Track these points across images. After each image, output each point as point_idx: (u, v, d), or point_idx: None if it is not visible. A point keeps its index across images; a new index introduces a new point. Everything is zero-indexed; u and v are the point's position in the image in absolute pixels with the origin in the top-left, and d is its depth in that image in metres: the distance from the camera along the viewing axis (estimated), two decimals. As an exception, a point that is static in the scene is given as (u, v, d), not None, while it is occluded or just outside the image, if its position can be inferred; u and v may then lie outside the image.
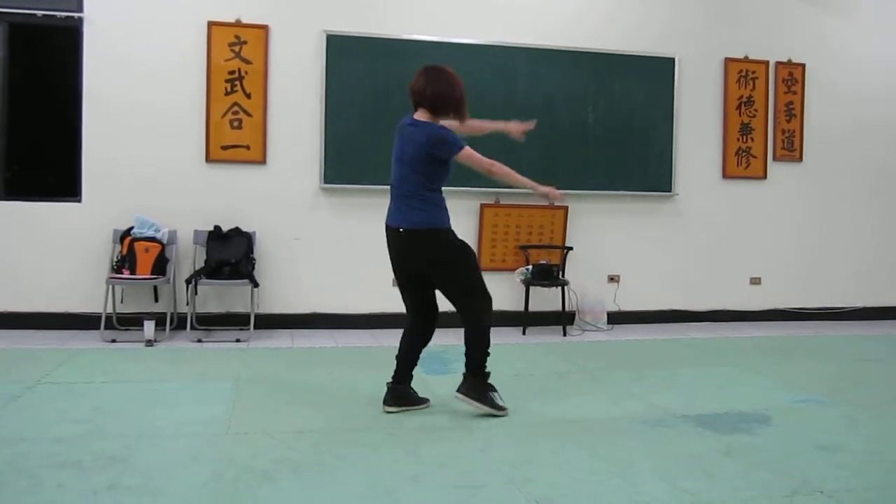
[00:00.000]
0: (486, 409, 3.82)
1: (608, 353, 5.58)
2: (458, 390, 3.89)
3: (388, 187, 3.63)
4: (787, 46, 7.09)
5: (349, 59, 6.04)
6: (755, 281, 7.14)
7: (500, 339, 5.79)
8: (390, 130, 6.02)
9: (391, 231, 3.91)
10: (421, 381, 4.49)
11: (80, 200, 5.79)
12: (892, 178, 7.42)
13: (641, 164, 6.72)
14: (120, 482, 2.82)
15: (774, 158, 7.10)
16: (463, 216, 6.35)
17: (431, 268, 3.88)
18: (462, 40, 6.27)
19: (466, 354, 3.93)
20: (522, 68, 6.39)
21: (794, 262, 7.20)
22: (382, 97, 6.10)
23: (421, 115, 3.88)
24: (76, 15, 5.70)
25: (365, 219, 6.21)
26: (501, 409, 3.84)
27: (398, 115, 6.00)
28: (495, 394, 3.88)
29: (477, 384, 3.86)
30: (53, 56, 6.21)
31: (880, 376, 4.97)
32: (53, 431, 3.38)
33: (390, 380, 3.94)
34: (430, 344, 5.69)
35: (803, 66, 7.09)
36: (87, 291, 5.72)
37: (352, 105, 6.07)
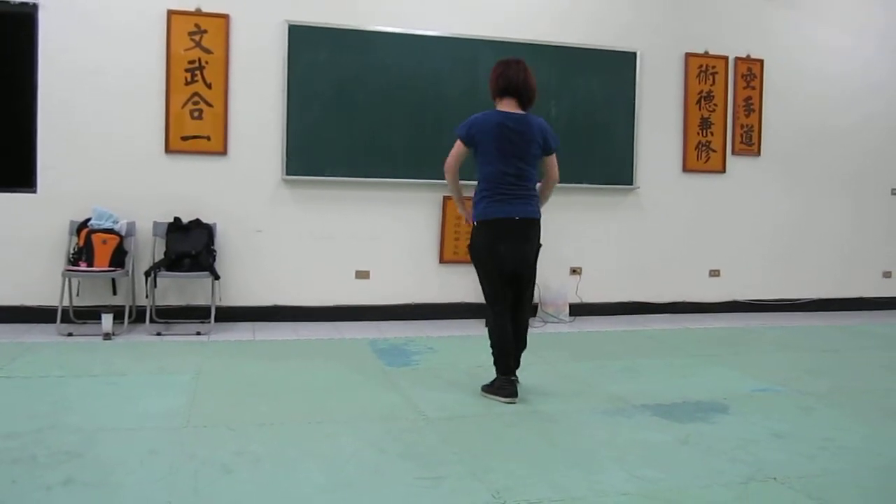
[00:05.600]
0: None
1: (569, 344, 5.63)
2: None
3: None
4: (746, 42, 7.19)
5: (311, 49, 6.00)
6: (714, 273, 7.25)
7: (463, 331, 5.83)
8: (353, 122, 6.11)
9: (525, 222, 3.97)
10: (382, 373, 4.51)
11: (35, 191, 5.66)
12: (848, 171, 7.57)
13: (603, 158, 6.77)
14: (76, 477, 2.78)
15: (733, 152, 7.20)
16: (426, 208, 6.37)
17: (535, 256, 4.11)
18: (424, 32, 6.25)
19: (517, 352, 4.09)
20: (485, 60, 6.35)
21: (752, 255, 7.33)
22: (345, 88, 6.07)
23: (510, 107, 3.98)
24: (31, 1, 5.57)
25: (327, 211, 6.19)
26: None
27: (361, 107, 6.09)
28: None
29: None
30: (6, 44, 6.07)
31: (835, 366, 5.08)
32: (7, 426, 3.31)
33: (514, 376, 3.99)
34: (392, 335, 5.73)
35: (762, 61, 7.20)
36: (43, 284, 5.60)
37: (314, 96, 6.02)
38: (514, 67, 3.99)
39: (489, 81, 4.07)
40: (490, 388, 4.00)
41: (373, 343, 5.36)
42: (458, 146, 4.02)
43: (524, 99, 3.99)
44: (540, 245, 4.12)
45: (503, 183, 3.93)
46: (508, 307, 4.03)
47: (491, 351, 4.00)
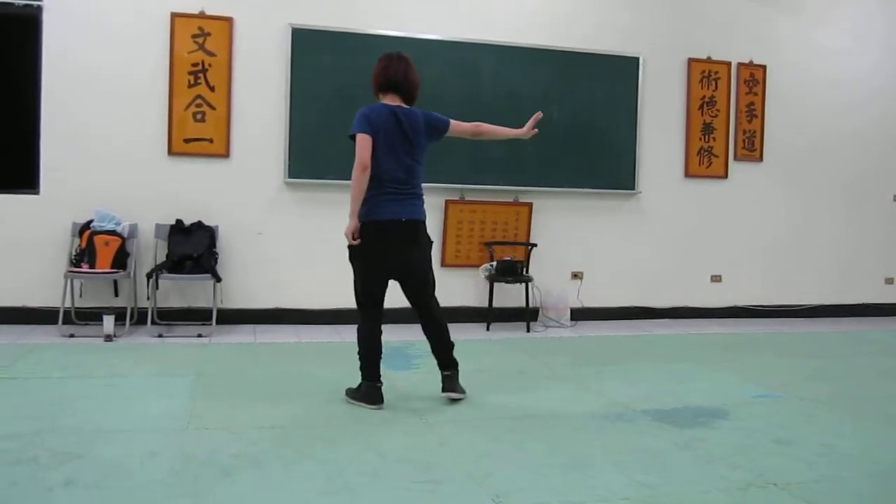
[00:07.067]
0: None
1: (570, 348, 5.63)
2: (449, 391, 3.96)
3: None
4: (749, 48, 7.19)
5: (314, 52, 6.01)
6: (716, 278, 7.24)
7: (465, 335, 5.82)
8: (355, 125, 6.09)
9: (411, 224, 3.87)
10: (384, 376, 4.49)
11: (38, 193, 5.68)
12: (850, 177, 7.57)
13: (605, 162, 6.77)
14: (76, 479, 2.78)
15: (735, 158, 7.21)
16: (428, 212, 6.34)
17: (425, 257, 3.98)
18: (427, 36, 6.26)
19: (447, 350, 3.99)
20: (487, 65, 6.40)
21: (753, 261, 7.32)
22: (348, 92, 6.07)
23: (393, 101, 3.88)
24: (35, 3, 5.59)
25: (329, 214, 6.18)
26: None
27: (363, 111, 6.07)
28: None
29: None
30: (10, 45, 6.08)
31: (836, 372, 5.07)
32: (8, 428, 3.32)
33: (380, 382, 3.87)
34: (393, 339, 5.70)
35: (764, 67, 7.20)
36: (45, 285, 5.61)
37: (317, 99, 6.03)
38: (395, 63, 3.88)
39: (372, 76, 3.93)
40: (356, 395, 3.90)
41: (374, 346, 5.35)
42: (366, 139, 3.72)
43: (406, 95, 3.90)
44: (431, 242, 4.02)
45: (391, 181, 3.80)
46: (380, 314, 3.91)
47: (358, 355, 3.90)
